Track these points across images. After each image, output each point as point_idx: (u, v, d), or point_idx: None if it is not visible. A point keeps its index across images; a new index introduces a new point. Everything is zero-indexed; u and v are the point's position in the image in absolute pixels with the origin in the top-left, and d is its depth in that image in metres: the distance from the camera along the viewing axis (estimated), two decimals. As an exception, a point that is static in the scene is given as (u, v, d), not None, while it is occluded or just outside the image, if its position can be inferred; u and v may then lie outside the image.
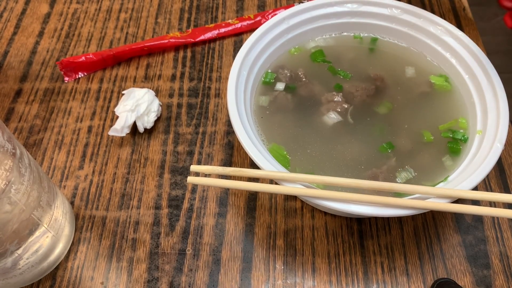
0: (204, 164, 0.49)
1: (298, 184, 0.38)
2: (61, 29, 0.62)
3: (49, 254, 0.41)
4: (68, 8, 0.64)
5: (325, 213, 0.45)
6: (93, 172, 0.49)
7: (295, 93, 0.48)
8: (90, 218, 0.46)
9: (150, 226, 0.45)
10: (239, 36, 0.61)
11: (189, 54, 0.59)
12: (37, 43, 0.60)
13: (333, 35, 0.52)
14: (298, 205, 0.46)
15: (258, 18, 0.62)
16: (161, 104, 0.53)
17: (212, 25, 0.61)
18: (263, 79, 0.49)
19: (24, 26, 0.62)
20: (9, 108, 0.54)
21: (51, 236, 0.40)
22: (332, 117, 0.46)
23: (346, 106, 0.47)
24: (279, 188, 0.38)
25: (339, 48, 0.52)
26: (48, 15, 0.63)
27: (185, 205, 0.46)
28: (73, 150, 0.50)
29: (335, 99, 0.47)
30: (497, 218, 0.45)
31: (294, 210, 0.46)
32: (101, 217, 0.46)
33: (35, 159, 0.49)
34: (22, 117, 0.53)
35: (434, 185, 0.40)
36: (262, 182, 0.44)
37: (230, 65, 0.57)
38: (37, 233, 0.38)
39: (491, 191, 0.47)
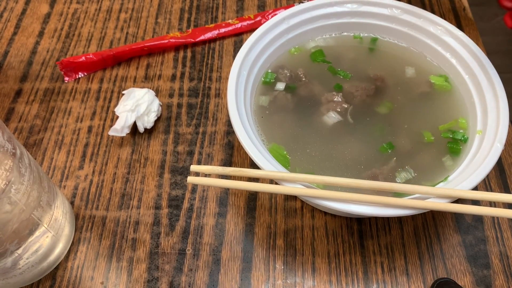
0: (204, 164, 0.49)
1: (298, 184, 0.38)
2: (61, 29, 0.62)
3: (49, 254, 0.41)
4: (68, 8, 0.64)
5: (325, 213, 0.45)
6: (93, 172, 0.49)
7: (295, 93, 0.48)
8: (90, 218, 0.46)
9: (150, 226, 0.45)
10: (239, 36, 0.61)
11: (189, 54, 0.59)
12: (37, 43, 0.60)
13: (333, 35, 0.52)
14: (298, 205, 0.46)
15: (258, 18, 0.62)
16: (161, 104, 0.53)
17: (212, 25, 0.61)
18: (263, 79, 0.49)
19: (24, 26, 0.62)
20: (9, 108, 0.54)
21: (51, 236, 0.40)
22: (332, 117, 0.46)
23: (346, 106, 0.47)
24: (279, 188, 0.38)
25: (339, 48, 0.52)
26: (48, 15, 0.63)
27: (185, 205, 0.46)
28: (73, 150, 0.50)
29: (335, 99, 0.47)
30: (497, 218, 0.45)
31: (294, 210, 0.46)
32: (101, 217, 0.46)
33: (35, 159, 0.49)
34: (22, 117, 0.53)
35: (434, 185, 0.40)
36: (262, 182, 0.44)
37: (230, 65, 0.57)
38: (37, 233, 0.38)
39: (491, 191, 0.47)
